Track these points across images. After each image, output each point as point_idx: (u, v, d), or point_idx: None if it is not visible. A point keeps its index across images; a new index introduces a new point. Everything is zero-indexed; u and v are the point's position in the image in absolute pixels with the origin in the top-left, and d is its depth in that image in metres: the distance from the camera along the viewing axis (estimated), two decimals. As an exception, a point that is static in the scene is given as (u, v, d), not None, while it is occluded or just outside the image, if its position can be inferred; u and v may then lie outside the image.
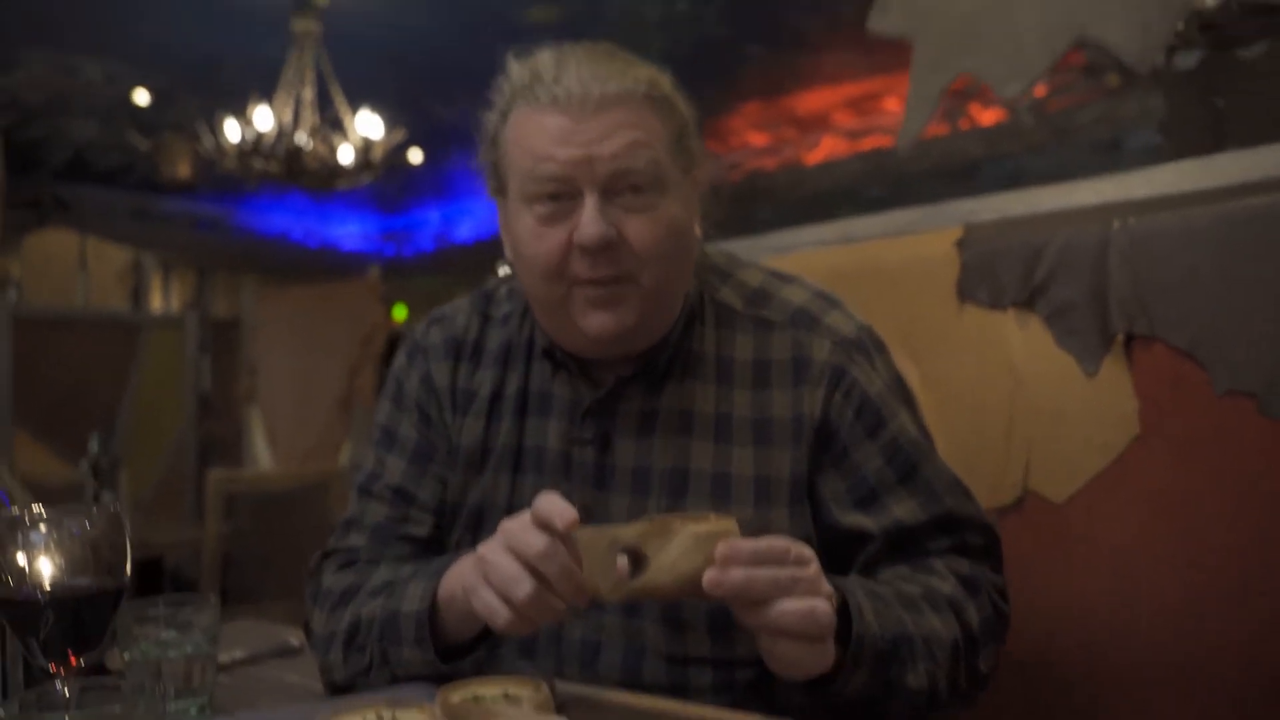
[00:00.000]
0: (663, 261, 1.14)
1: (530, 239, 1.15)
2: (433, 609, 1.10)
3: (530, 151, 1.13)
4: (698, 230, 1.23)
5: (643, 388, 1.21)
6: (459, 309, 1.34)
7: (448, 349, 1.30)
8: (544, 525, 0.97)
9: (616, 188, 1.12)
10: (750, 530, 1.14)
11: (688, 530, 0.93)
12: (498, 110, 1.20)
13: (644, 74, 1.15)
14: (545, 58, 1.16)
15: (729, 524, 0.95)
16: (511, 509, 1.23)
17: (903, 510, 1.16)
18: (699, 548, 0.92)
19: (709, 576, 0.91)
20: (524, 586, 0.95)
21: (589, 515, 1.18)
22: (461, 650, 1.12)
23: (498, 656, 1.22)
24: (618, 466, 1.21)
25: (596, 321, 1.14)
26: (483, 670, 1.13)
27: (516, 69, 1.18)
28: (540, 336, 1.25)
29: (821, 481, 1.18)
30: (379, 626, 1.12)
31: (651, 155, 1.12)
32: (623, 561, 0.93)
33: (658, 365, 1.20)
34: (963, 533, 1.17)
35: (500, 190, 1.21)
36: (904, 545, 1.16)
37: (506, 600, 0.96)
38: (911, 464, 1.17)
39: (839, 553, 1.17)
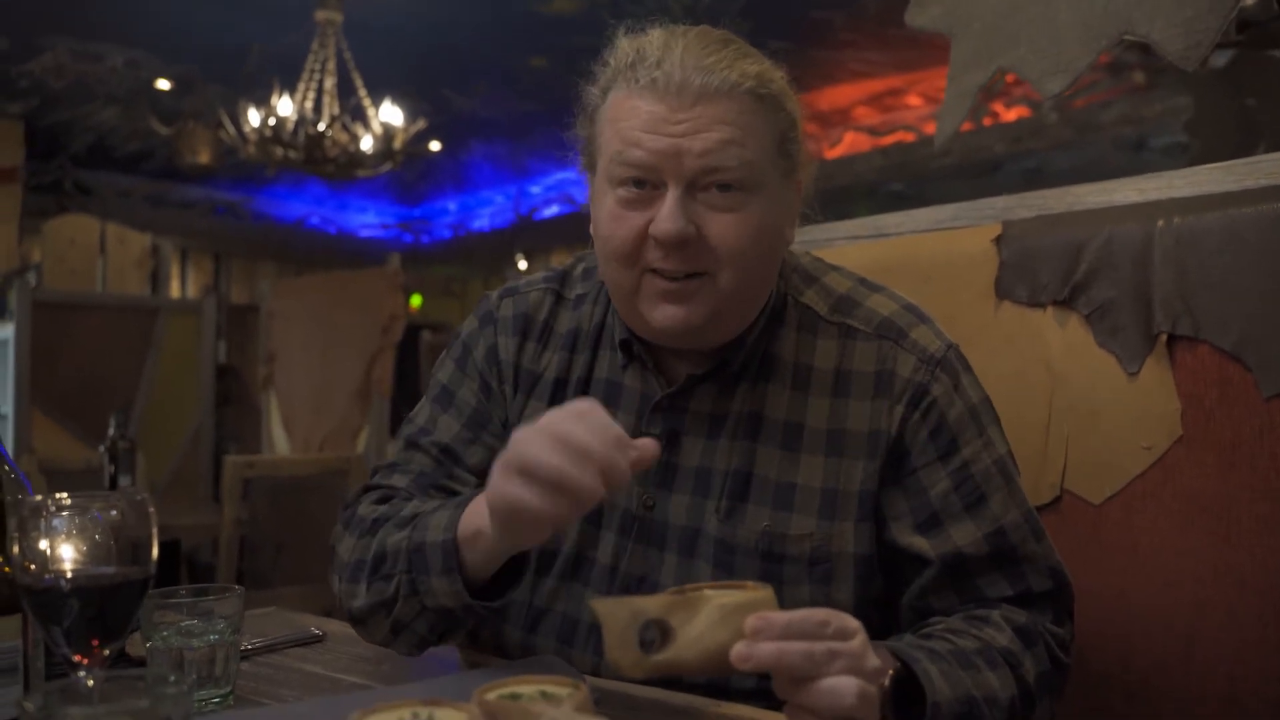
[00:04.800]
0: (742, 263, 1.10)
1: (609, 220, 1.12)
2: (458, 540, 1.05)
3: (620, 134, 1.10)
4: (790, 234, 1.19)
5: (715, 387, 1.18)
6: (534, 284, 1.32)
7: (517, 324, 1.27)
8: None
9: (702, 184, 1.08)
10: (815, 542, 1.12)
11: (715, 602, 0.87)
12: (599, 86, 1.16)
13: (753, 69, 1.10)
14: (654, 38, 1.12)
15: (763, 594, 0.89)
16: None
17: (963, 539, 1.11)
18: (727, 621, 0.86)
19: (737, 650, 0.85)
20: (553, 456, 0.89)
21: (650, 511, 1.18)
22: (489, 591, 1.08)
23: (535, 646, 1.20)
24: (681, 466, 1.18)
25: (664, 313, 1.11)
26: (521, 658, 1.10)
27: (623, 46, 1.14)
28: (618, 326, 1.21)
29: (886, 499, 1.14)
30: (406, 557, 1.08)
31: (744, 155, 1.08)
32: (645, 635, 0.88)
33: (732, 365, 1.17)
34: (1024, 573, 1.13)
35: (591, 166, 1.18)
36: (960, 576, 1.12)
37: (532, 477, 0.90)
38: (980, 494, 1.13)
39: (894, 574, 1.14)
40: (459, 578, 1.05)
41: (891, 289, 1.25)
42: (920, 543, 1.12)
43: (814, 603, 1.10)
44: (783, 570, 1.12)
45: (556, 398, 1.23)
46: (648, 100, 1.08)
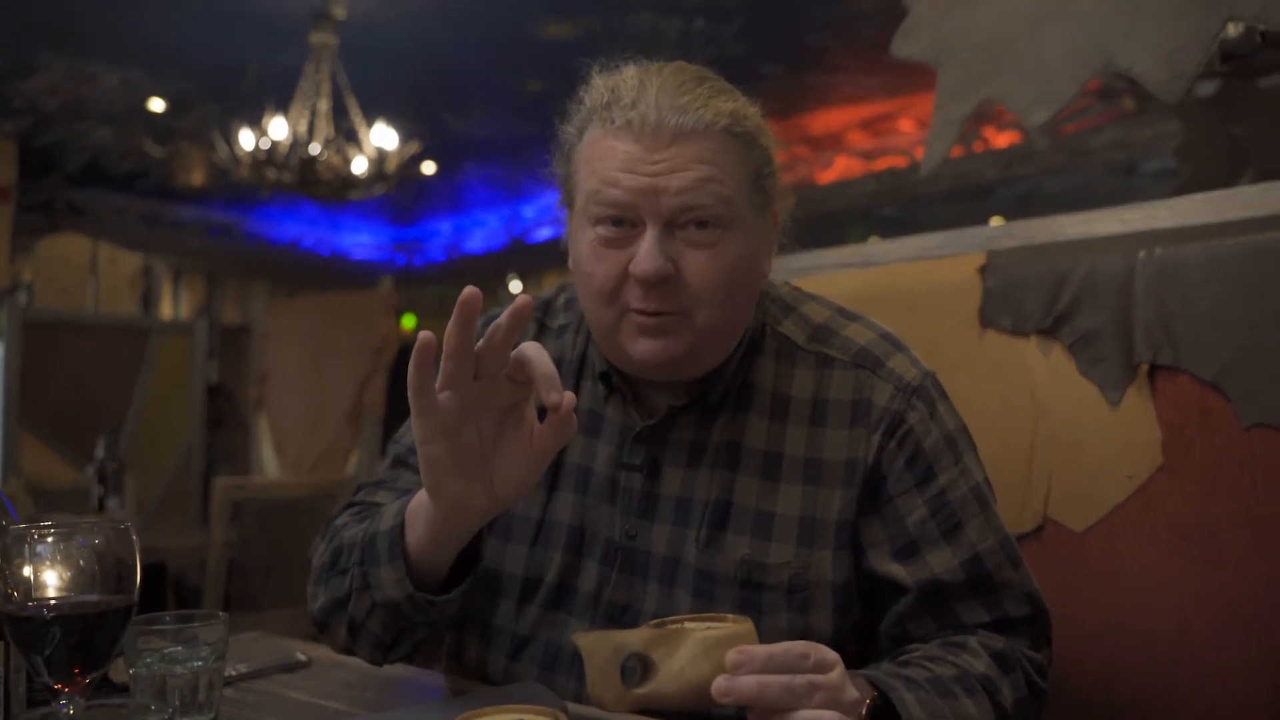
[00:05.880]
0: (719, 299, 1.11)
1: (589, 259, 1.13)
2: (404, 526, 1.07)
3: (598, 173, 1.11)
4: (767, 267, 1.20)
5: (695, 417, 1.19)
6: None
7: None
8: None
9: (680, 221, 1.09)
10: (792, 570, 1.12)
11: (696, 636, 0.87)
12: (575, 124, 1.17)
13: (727, 107, 1.10)
14: (628, 77, 1.13)
15: (744, 627, 0.89)
16: (544, 524, 1.21)
17: (941, 566, 1.12)
18: (709, 654, 0.87)
19: (718, 685, 0.85)
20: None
21: (632, 541, 1.18)
22: (439, 586, 1.09)
23: (518, 673, 1.20)
24: (662, 495, 1.18)
25: (644, 347, 1.11)
26: (501, 683, 1.10)
27: (598, 85, 1.15)
28: (597, 358, 1.23)
29: (864, 527, 1.14)
30: (360, 549, 1.10)
31: (722, 193, 1.09)
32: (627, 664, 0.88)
33: (711, 396, 1.18)
34: (1001, 600, 1.13)
35: (569, 202, 1.19)
36: (938, 603, 1.12)
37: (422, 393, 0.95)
38: (957, 521, 1.13)
39: (872, 601, 1.15)
40: (402, 564, 1.06)
41: (869, 318, 1.25)
42: (897, 570, 1.12)
43: (792, 631, 1.11)
44: (761, 599, 1.13)
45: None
46: (624, 140, 1.09)
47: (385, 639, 1.14)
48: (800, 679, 0.87)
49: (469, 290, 0.92)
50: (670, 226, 1.09)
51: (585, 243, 1.13)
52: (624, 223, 1.10)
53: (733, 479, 1.16)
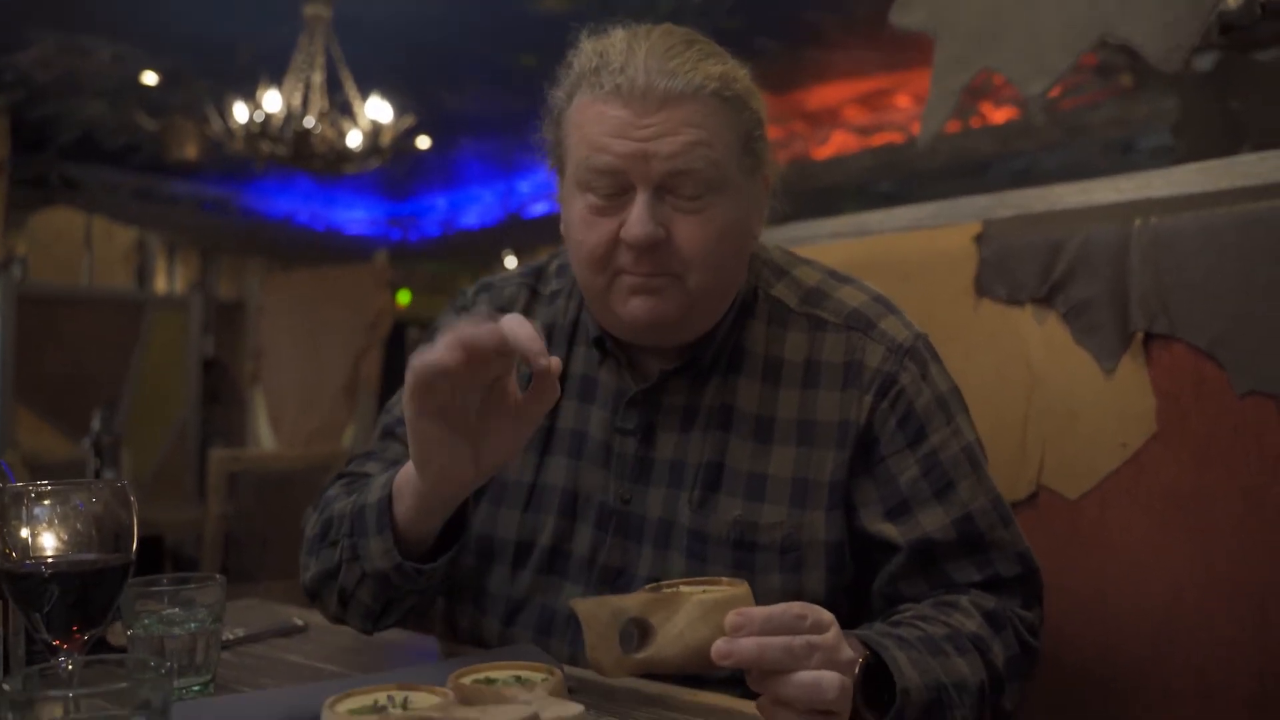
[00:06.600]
0: (710, 263, 1.11)
1: (580, 225, 1.13)
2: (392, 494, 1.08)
3: (588, 139, 1.11)
4: (758, 230, 1.20)
5: (687, 382, 1.19)
6: (509, 280, 1.33)
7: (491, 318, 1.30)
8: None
9: (670, 186, 1.09)
10: (785, 530, 1.13)
11: (694, 599, 0.88)
12: (564, 89, 1.16)
13: (716, 70, 1.10)
14: (616, 41, 1.13)
15: (740, 590, 0.90)
16: (536, 488, 1.22)
17: (932, 525, 1.12)
18: (707, 617, 0.87)
19: (718, 647, 0.86)
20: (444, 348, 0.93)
21: (626, 505, 1.19)
22: (430, 550, 1.10)
23: (514, 638, 1.21)
24: (656, 459, 1.19)
25: (635, 306, 1.12)
26: (496, 648, 1.11)
27: (587, 49, 1.14)
28: (590, 324, 1.23)
29: (856, 488, 1.15)
30: (349, 521, 1.11)
31: (711, 156, 1.09)
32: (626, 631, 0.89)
33: (703, 360, 1.18)
34: (993, 559, 1.14)
35: (559, 168, 1.19)
36: (929, 562, 1.13)
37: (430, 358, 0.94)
38: (949, 480, 1.14)
39: (865, 561, 1.15)
40: (390, 535, 1.07)
41: (861, 280, 1.26)
42: (889, 529, 1.13)
43: (786, 591, 1.12)
44: (755, 559, 1.14)
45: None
46: (613, 105, 1.09)
47: (375, 608, 1.15)
48: (799, 640, 0.87)
49: (484, 339, 0.93)
50: (660, 191, 1.09)
51: (576, 209, 1.14)
52: (614, 189, 1.10)
53: (725, 441, 1.17)
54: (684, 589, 0.92)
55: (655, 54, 1.09)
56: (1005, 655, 1.08)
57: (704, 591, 0.91)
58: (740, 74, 1.14)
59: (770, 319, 1.21)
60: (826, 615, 0.91)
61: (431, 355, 0.94)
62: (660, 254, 1.10)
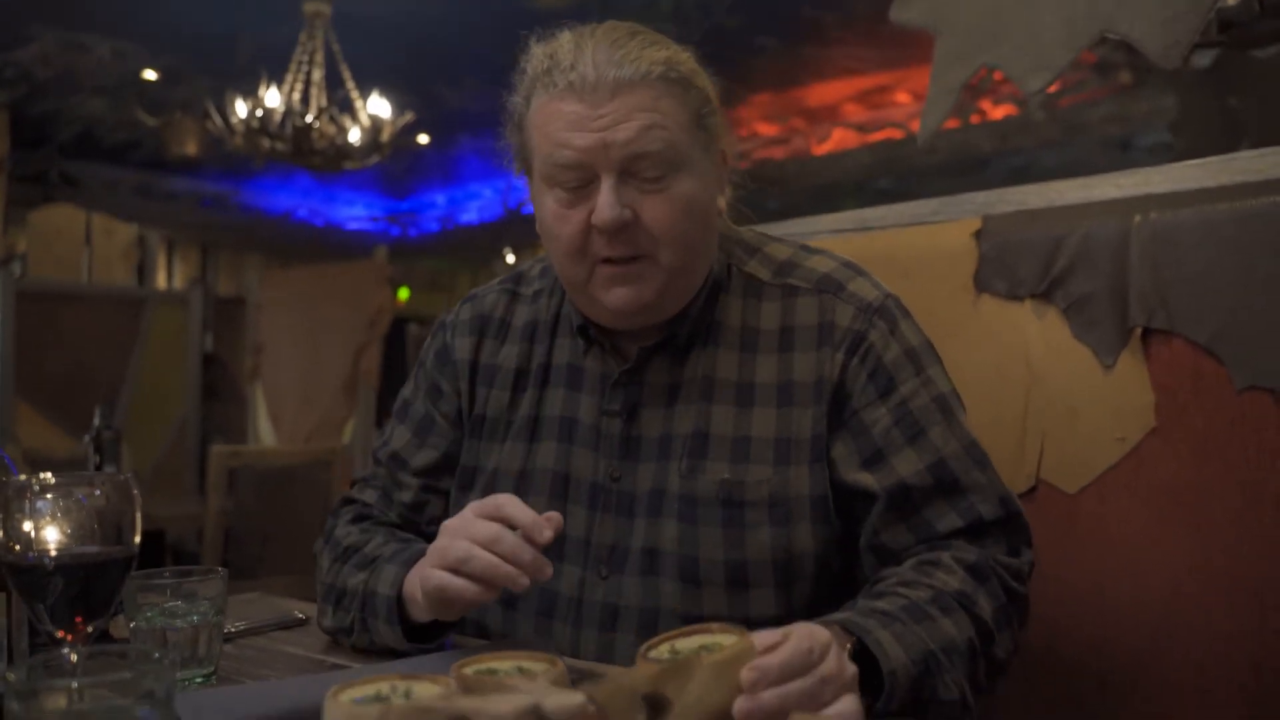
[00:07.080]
0: (679, 239, 1.17)
1: (553, 220, 1.19)
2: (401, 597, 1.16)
3: (549, 138, 1.17)
4: (722, 204, 1.26)
5: (668, 359, 1.25)
6: (490, 288, 1.41)
7: (473, 325, 1.36)
8: (492, 517, 1.03)
9: (632, 169, 1.15)
10: (771, 487, 1.17)
11: (706, 664, 0.85)
12: (521, 94, 1.23)
13: (660, 55, 1.16)
14: (564, 41, 1.19)
15: (744, 642, 0.87)
16: (524, 474, 1.27)
17: (906, 469, 1.16)
18: (721, 677, 0.84)
19: (740, 707, 0.83)
20: (477, 561, 1.02)
21: (617, 483, 1.23)
22: (431, 632, 1.18)
23: (515, 623, 1.25)
24: (644, 437, 1.24)
25: (616, 296, 1.18)
26: (498, 638, 1.16)
27: (537, 53, 1.21)
28: (573, 314, 1.29)
29: (833, 443, 1.19)
30: (360, 600, 1.19)
31: (666, 137, 1.15)
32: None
33: (680, 336, 1.23)
34: (973, 503, 1.16)
35: (526, 169, 1.25)
36: (907, 508, 1.16)
37: (458, 573, 1.04)
38: (920, 428, 1.17)
39: (849, 515, 1.18)
40: (400, 629, 1.16)
41: (831, 250, 1.31)
42: (866, 478, 1.17)
43: (775, 545, 1.16)
44: (744, 515, 1.17)
45: (519, 384, 1.32)
46: (568, 102, 1.15)
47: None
48: (812, 680, 0.85)
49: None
50: (624, 175, 1.15)
51: (547, 206, 1.20)
52: (580, 180, 1.16)
53: (708, 410, 1.22)
54: (677, 644, 0.90)
55: (602, 48, 1.15)
56: (992, 606, 1.10)
57: (701, 646, 0.88)
58: (684, 56, 1.20)
59: (745, 293, 1.26)
60: (822, 634, 0.89)
61: (456, 587, 1.04)
62: (631, 235, 1.15)
